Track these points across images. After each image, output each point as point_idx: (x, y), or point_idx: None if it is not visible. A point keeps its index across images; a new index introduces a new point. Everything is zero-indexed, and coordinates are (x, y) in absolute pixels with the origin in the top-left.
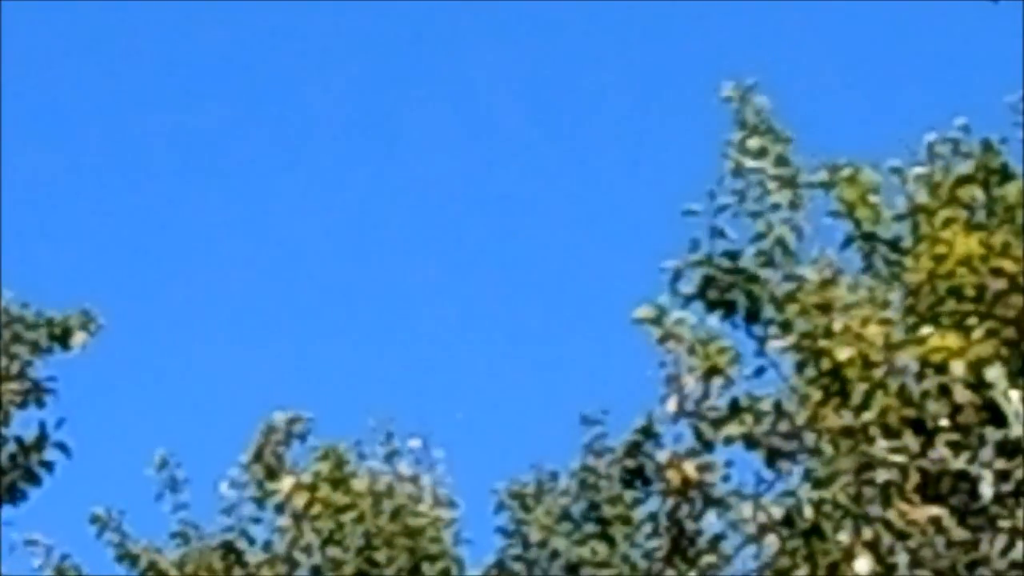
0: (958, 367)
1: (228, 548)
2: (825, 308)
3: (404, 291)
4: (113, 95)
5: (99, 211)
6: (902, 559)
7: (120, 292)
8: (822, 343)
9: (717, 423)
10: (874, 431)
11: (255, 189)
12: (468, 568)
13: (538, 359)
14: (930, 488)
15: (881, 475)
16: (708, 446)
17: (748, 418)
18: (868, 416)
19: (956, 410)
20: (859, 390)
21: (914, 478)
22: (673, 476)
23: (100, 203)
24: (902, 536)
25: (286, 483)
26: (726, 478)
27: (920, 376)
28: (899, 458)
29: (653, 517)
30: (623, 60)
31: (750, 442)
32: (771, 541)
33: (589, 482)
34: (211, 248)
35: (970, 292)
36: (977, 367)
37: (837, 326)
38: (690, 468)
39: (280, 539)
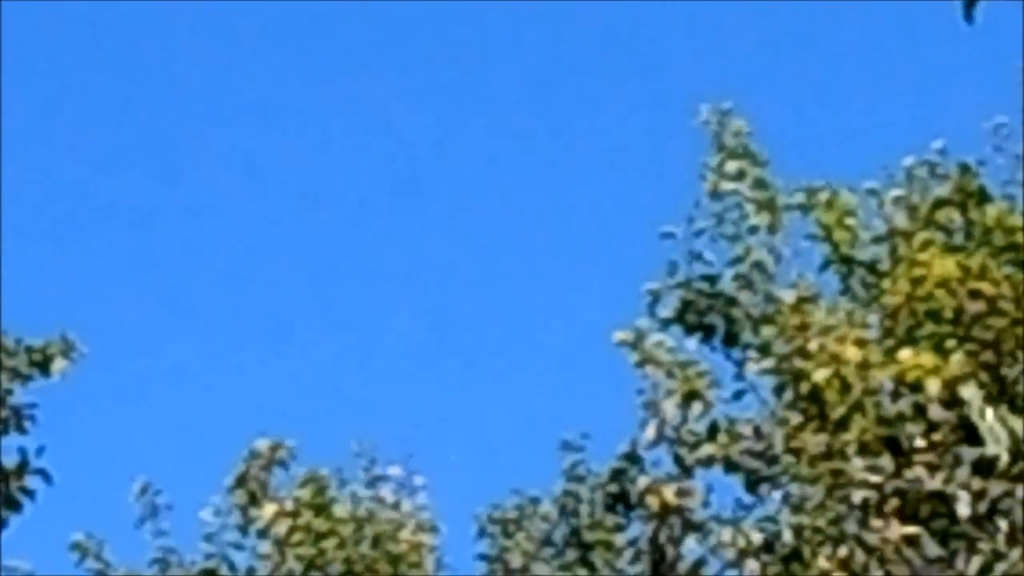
0: (933, 386)
1: (209, 575)
2: (803, 330)
3: (386, 317)
4: (93, 117)
5: (80, 238)
6: None
7: (101, 319)
8: (799, 364)
9: (695, 446)
10: (850, 450)
11: (236, 217)
12: None
13: (518, 384)
14: (907, 508)
15: (857, 495)
16: (688, 471)
17: (725, 439)
18: (846, 437)
19: (931, 429)
20: (837, 412)
21: (890, 498)
22: (653, 501)
23: (81, 230)
24: (877, 555)
25: (268, 510)
26: (706, 503)
27: (895, 396)
28: (875, 478)
29: (634, 543)
30: (602, 83)
31: (729, 465)
32: (751, 566)
33: (570, 508)
34: (193, 275)
35: (948, 314)
36: (952, 385)
37: (813, 347)
38: (669, 493)
39: (262, 566)
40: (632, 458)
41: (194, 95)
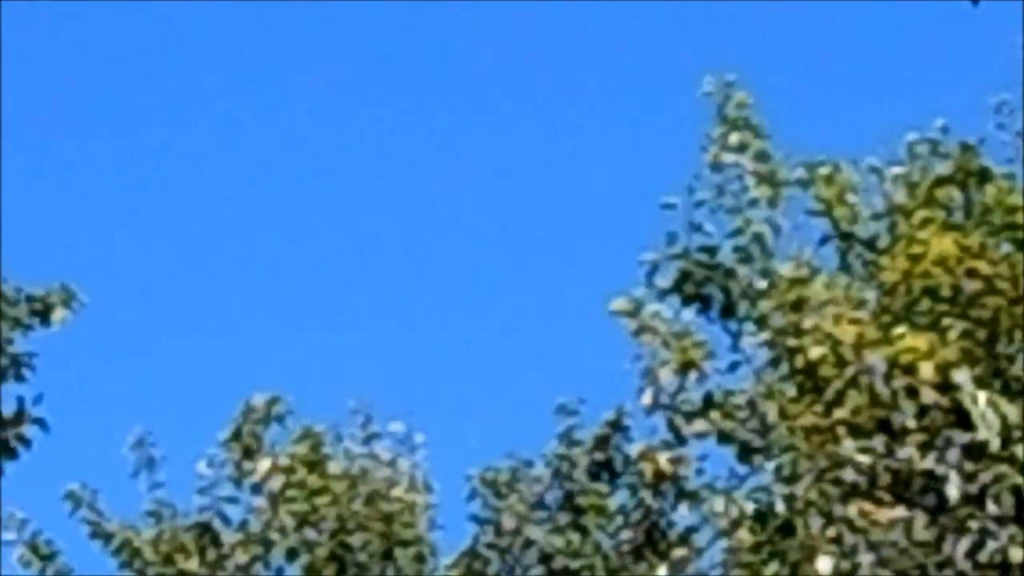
0: (926, 369)
1: (203, 528)
2: (800, 305)
3: (387, 278)
4: (94, 76)
5: (82, 188)
6: (865, 559)
7: (102, 270)
8: (795, 341)
9: (690, 416)
10: (841, 430)
11: (237, 172)
12: (441, 555)
13: (517, 348)
14: (897, 489)
15: (847, 474)
16: (682, 439)
17: (715, 415)
18: (840, 414)
19: (924, 411)
20: (832, 388)
21: (881, 478)
22: (646, 468)
23: (83, 181)
24: (865, 535)
25: (263, 464)
26: (699, 472)
27: (889, 377)
28: (865, 458)
29: (625, 509)
30: (605, 54)
31: (723, 437)
32: (742, 536)
33: (564, 471)
34: (194, 229)
35: (945, 293)
36: (945, 369)
37: (807, 324)
38: (663, 461)
39: (255, 520)
40: (617, 425)
41: (194, 40)
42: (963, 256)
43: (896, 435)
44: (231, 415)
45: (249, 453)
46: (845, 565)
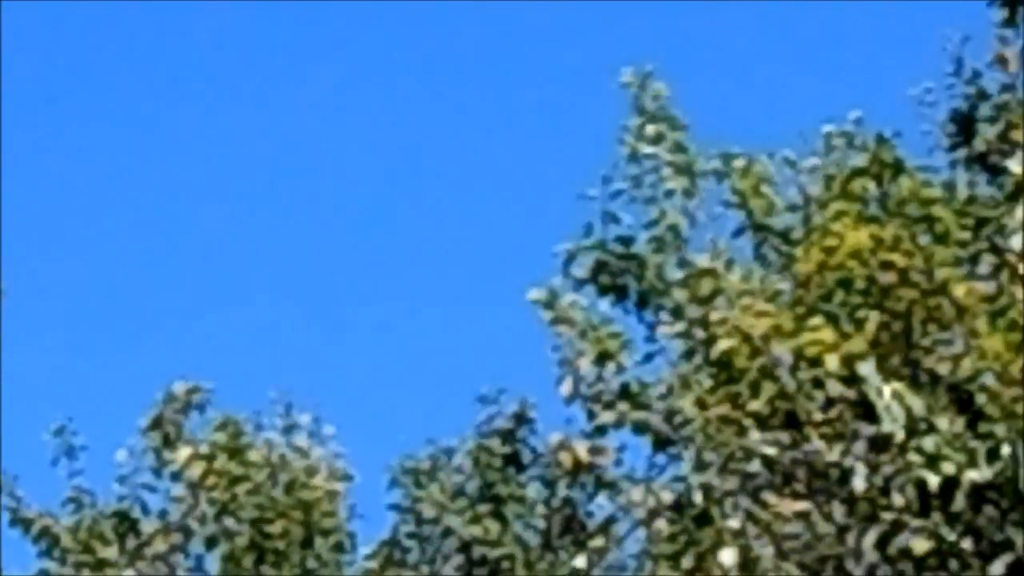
0: (832, 361)
1: (122, 516)
2: (714, 297)
3: (306, 266)
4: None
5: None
6: (767, 551)
7: (23, 257)
8: (705, 332)
9: (608, 406)
10: (748, 422)
11: (160, 158)
12: (360, 544)
13: (439, 337)
14: (803, 481)
15: (753, 466)
16: (600, 429)
17: (624, 406)
18: (754, 406)
19: (830, 404)
20: (745, 380)
21: (788, 470)
22: (564, 458)
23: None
24: (768, 528)
25: (183, 452)
26: (618, 462)
27: (795, 369)
28: (770, 450)
29: (544, 499)
30: (522, 44)
31: (637, 427)
32: (660, 525)
33: (482, 461)
34: (114, 215)
35: (860, 285)
36: (851, 362)
37: (715, 316)
38: (582, 450)
39: (175, 508)
40: (521, 419)
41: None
42: (878, 248)
43: (803, 427)
44: (151, 403)
45: (169, 441)
46: (749, 557)
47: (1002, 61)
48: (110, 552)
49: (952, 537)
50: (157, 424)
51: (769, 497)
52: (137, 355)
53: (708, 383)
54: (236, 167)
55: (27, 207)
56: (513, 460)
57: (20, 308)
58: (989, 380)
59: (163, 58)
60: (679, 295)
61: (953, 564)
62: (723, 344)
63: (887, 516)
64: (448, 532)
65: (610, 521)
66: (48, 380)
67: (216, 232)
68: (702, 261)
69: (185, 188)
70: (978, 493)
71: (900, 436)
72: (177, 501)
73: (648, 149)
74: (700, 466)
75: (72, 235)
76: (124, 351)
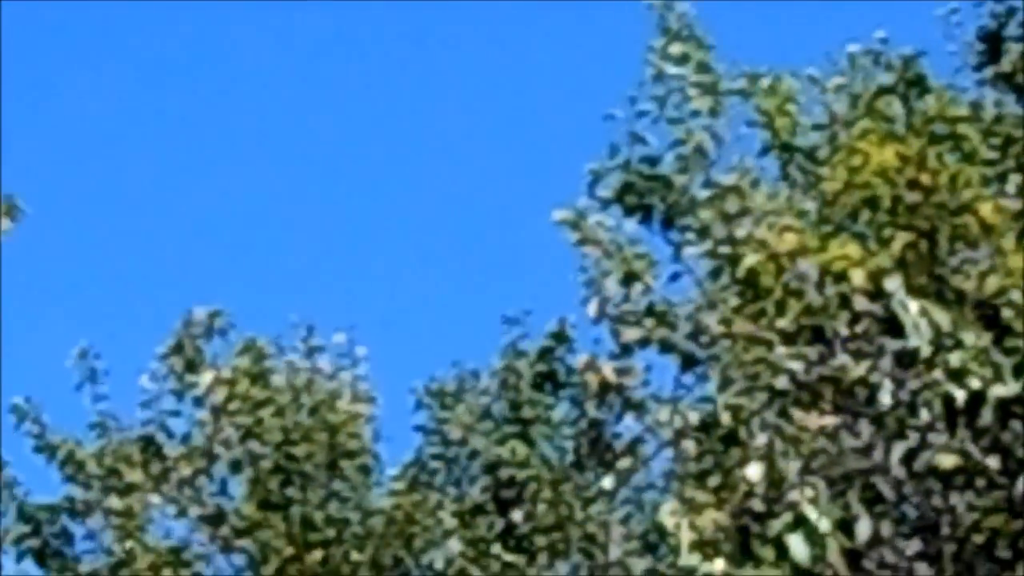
0: (858, 276)
1: (147, 441)
2: (740, 216)
3: (329, 189)
4: None
5: (25, 98)
6: (793, 466)
7: (45, 180)
8: (731, 250)
9: (634, 324)
10: (775, 338)
11: (181, 83)
12: (386, 465)
13: (464, 259)
14: (829, 397)
15: (779, 382)
16: (627, 350)
17: (650, 323)
18: (781, 323)
19: (856, 319)
20: (772, 297)
21: (812, 386)
22: (591, 379)
23: (26, 90)
24: (795, 443)
25: (206, 377)
26: (645, 382)
27: (821, 285)
28: (796, 365)
29: (571, 419)
30: None
31: (664, 346)
32: (688, 446)
33: (509, 382)
34: (137, 140)
35: (885, 203)
36: (877, 277)
37: (741, 233)
38: (608, 371)
39: (199, 432)
40: (560, 337)
41: None
42: (904, 167)
43: (830, 343)
44: (172, 328)
45: (191, 366)
46: (775, 472)
47: None
48: (135, 476)
49: (977, 455)
50: (178, 349)
51: (795, 413)
52: (159, 279)
53: (734, 302)
54: (258, 84)
55: (48, 127)
56: (550, 378)
57: (43, 232)
58: (1015, 296)
59: None
60: (705, 214)
61: (979, 481)
62: (749, 261)
63: (913, 432)
64: (474, 454)
65: (637, 442)
66: (71, 305)
67: (239, 155)
68: (728, 180)
69: (207, 112)
70: (1004, 408)
71: (926, 351)
72: (201, 425)
73: (673, 69)
74: (726, 383)
75: (94, 159)
76: (147, 275)
